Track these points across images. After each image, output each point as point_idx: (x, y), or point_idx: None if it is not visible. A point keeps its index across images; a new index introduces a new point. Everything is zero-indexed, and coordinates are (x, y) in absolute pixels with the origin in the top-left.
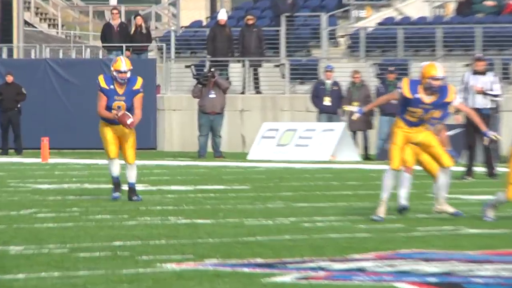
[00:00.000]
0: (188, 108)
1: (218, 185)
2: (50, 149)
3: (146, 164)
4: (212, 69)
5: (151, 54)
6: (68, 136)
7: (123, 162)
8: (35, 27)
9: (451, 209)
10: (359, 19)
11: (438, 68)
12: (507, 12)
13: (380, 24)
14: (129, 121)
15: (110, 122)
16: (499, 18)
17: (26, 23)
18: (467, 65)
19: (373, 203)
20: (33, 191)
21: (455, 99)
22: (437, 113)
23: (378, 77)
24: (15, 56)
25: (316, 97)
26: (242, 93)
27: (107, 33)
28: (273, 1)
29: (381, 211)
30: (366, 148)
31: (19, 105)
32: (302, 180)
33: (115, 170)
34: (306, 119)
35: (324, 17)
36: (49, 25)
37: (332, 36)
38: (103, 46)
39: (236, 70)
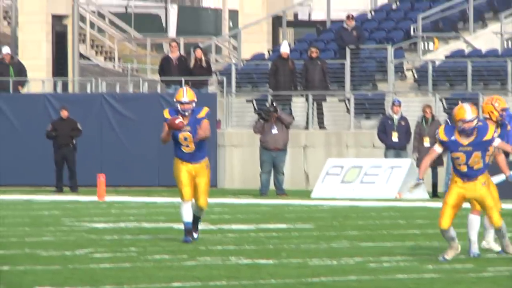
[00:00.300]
0: (249, 144)
1: (281, 224)
2: (106, 186)
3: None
4: (274, 104)
5: (211, 88)
6: (125, 173)
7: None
8: (91, 60)
9: (497, 248)
10: (426, 51)
11: (467, 111)
12: None
13: (448, 57)
14: (177, 121)
15: (184, 159)
16: None
17: (82, 56)
18: None
19: (442, 242)
20: (89, 230)
21: (495, 137)
22: (479, 155)
23: (446, 112)
24: (70, 90)
25: (383, 133)
26: (306, 128)
27: (165, 66)
28: (338, 33)
29: (450, 254)
30: (435, 185)
31: (74, 141)
32: (368, 219)
33: (188, 216)
34: (372, 155)
35: (390, 50)
36: (105, 58)
37: (399, 69)
38: (161, 80)
39: (299, 104)
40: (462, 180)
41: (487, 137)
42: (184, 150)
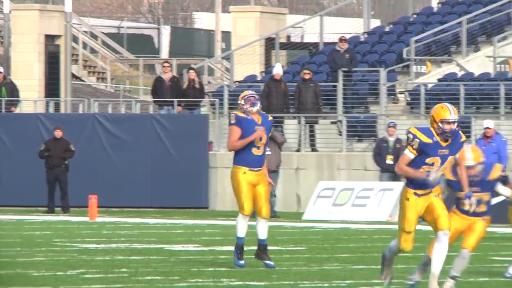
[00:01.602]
0: None
1: (273, 246)
2: (98, 207)
3: (198, 224)
4: None
5: (204, 110)
6: (116, 194)
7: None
8: (83, 81)
9: None
10: (419, 74)
11: (450, 110)
12: None
13: (441, 80)
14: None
15: (250, 164)
16: None
17: (74, 76)
18: None
19: None
20: (81, 251)
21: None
22: (451, 160)
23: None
24: (62, 110)
25: (378, 155)
26: (298, 150)
27: (158, 87)
28: (330, 55)
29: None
30: None
31: (66, 162)
32: (359, 241)
33: (243, 231)
34: (364, 178)
35: (383, 73)
36: (97, 78)
37: (392, 92)
38: (153, 101)
39: (291, 126)
40: (416, 194)
41: (462, 138)
42: (254, 153)
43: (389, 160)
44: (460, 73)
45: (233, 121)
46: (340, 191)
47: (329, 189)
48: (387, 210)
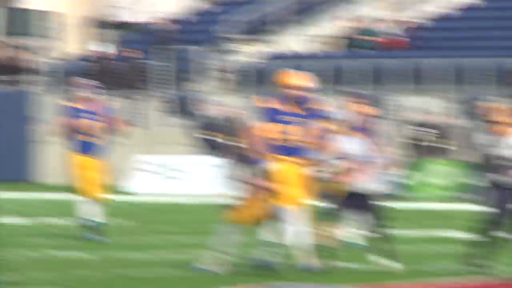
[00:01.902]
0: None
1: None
2: None
3: (22, 197)
4: None
5: (26, 87)
6: None
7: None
8: None
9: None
10: (233, 52)
11: (296, 76)
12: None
13: (258, 57)
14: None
15: (76, 151)
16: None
17: None
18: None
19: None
20: None
21: (330, 111)
22: (300, 132)
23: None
24: None
25: (203, 132)
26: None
27: None
28: (152, 34)
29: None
30: None
31: None
32: (183, 214)
33: (87, 212)
34: (180, 153)
35: (202, 51)
36: None
37: (209, 71)
38: None
39: (113, 102)
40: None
41: (319, 110)
42: (81, 139)
43: (209, 136)
44: (278, 52)
45: (60, 110)
46: (159, 165)
47: (147, 163)
48: (209, 184)
